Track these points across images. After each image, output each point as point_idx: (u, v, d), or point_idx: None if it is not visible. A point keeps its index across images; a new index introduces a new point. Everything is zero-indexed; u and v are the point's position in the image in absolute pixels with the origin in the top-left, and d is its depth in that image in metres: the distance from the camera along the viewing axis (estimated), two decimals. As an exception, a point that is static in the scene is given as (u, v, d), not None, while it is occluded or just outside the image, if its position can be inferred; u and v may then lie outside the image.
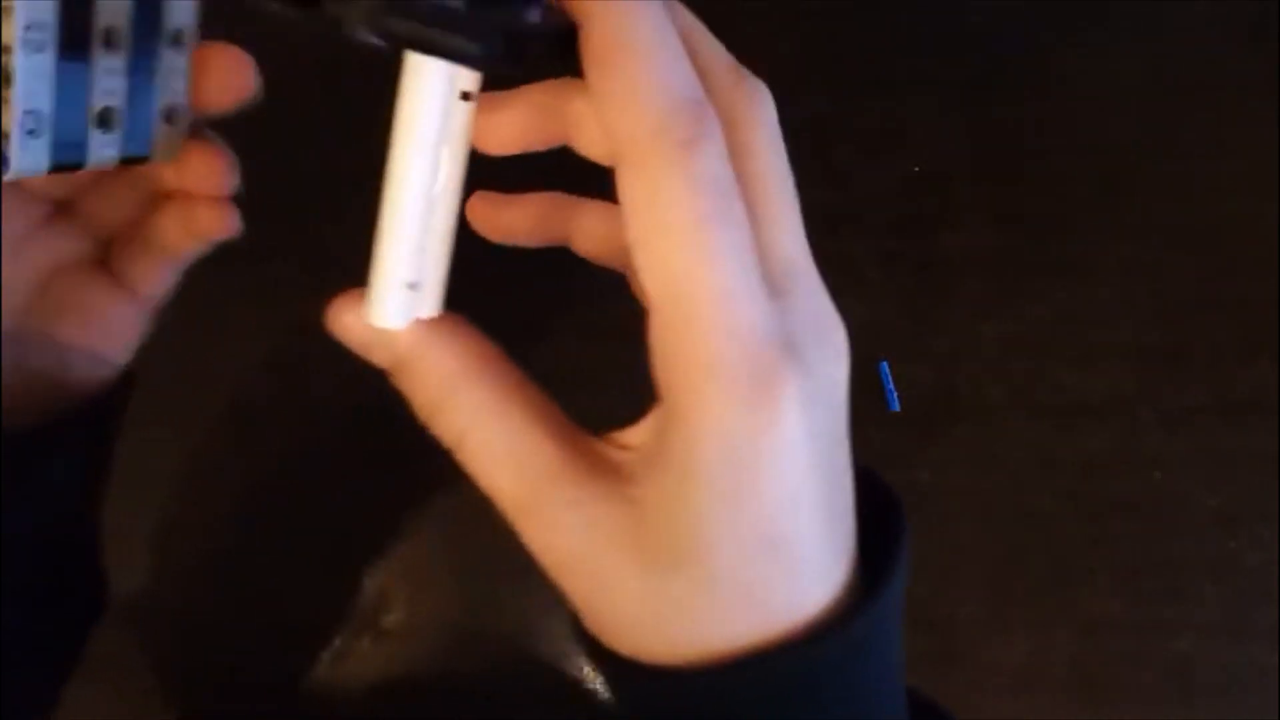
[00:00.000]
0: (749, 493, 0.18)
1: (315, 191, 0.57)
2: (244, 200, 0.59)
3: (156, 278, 0.29)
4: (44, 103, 0.23)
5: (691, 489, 0.18)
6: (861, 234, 0.57)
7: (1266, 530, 0.55)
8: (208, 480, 0.55)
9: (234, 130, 0.62)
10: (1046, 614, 0.54)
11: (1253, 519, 0.55)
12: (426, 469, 0.55)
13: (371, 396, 0.57)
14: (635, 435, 0.20)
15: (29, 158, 0.23)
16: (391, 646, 0.54)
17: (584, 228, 0.23)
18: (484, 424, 0.21)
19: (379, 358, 0.21)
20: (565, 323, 0.56)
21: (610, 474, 0.20)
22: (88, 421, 0.28)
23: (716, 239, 0.18)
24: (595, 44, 0.17)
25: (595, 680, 0.54)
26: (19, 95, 0.22)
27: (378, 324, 0.21)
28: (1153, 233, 0.57)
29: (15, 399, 0.26)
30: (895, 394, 0.55)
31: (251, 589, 0.55)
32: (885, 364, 0.56)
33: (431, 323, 0.21)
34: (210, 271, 0.58)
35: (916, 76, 0.58)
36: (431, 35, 0.18)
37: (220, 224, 0.27)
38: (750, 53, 0.65)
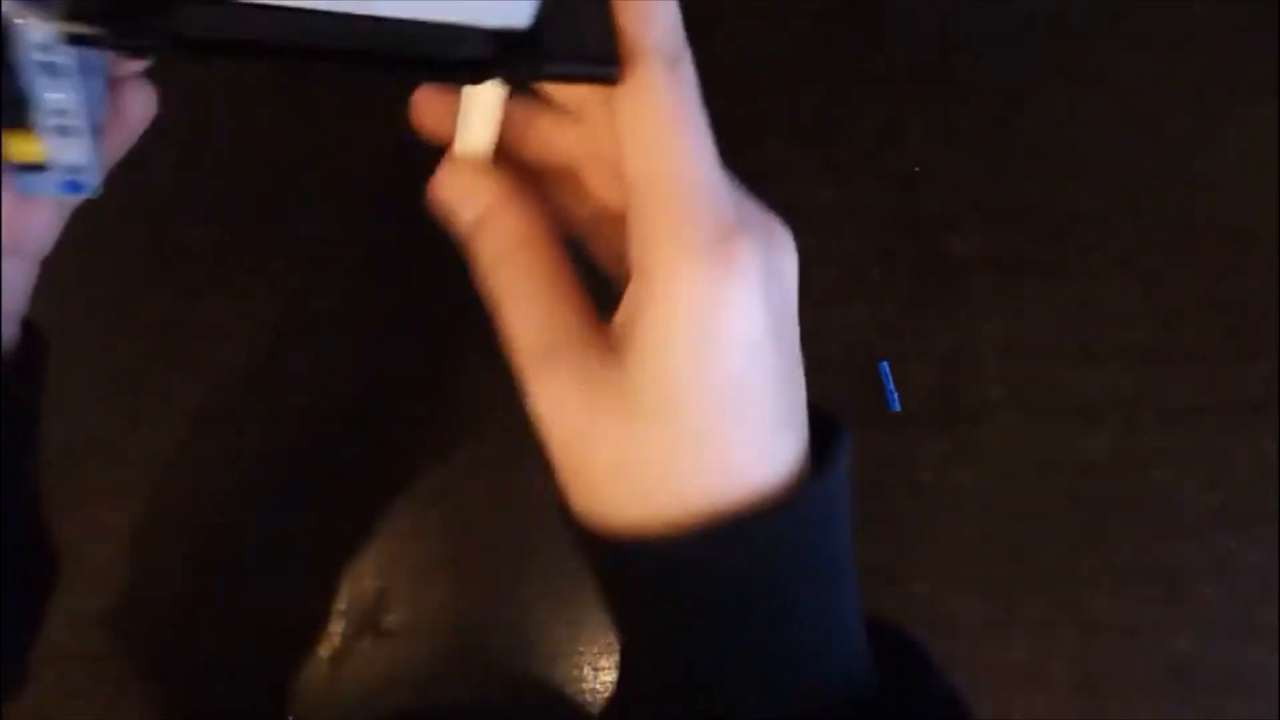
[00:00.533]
0: (715, 347, 0.21)
1: (315, 191, 0.57)
2: (245, 201, 0.59)
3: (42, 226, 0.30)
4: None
5: (666, 345, 0.21)
6: (861, 234, 0.57)
7: (1266, 530, 0.55)
8: (206, 480, 0.55)
9: (236, 129, 0.62)
10: (1046, 614, 0.54)
11: (1253, 519, 0.55)
12: (427, 469, 0.55)
13: (372, 396, 0.58)
14: (620, 312, 0.23)
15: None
16: (391, 646, 0.54)
17: (539, 132, 0.25)
18: (527, 286, 0.24)
19: (465, 214, 0.24)
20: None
21: (604, 342, 0.23)
22: (9, 379, 0.29)
23: (691, 136, 0.22)
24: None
25: (593, 680, 0.54)
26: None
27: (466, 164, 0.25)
28: (1153, 233, 0.57)
29: None
30: (895, 394, 0.55)
31: (251, 589, 0.55)
32: (885, 364, 0.56)
33: (506, 190, 0.24)
34: (211, 271, 0.59)
35: (916, 76, 0.58)
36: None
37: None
38: (750, 52, 0.66)
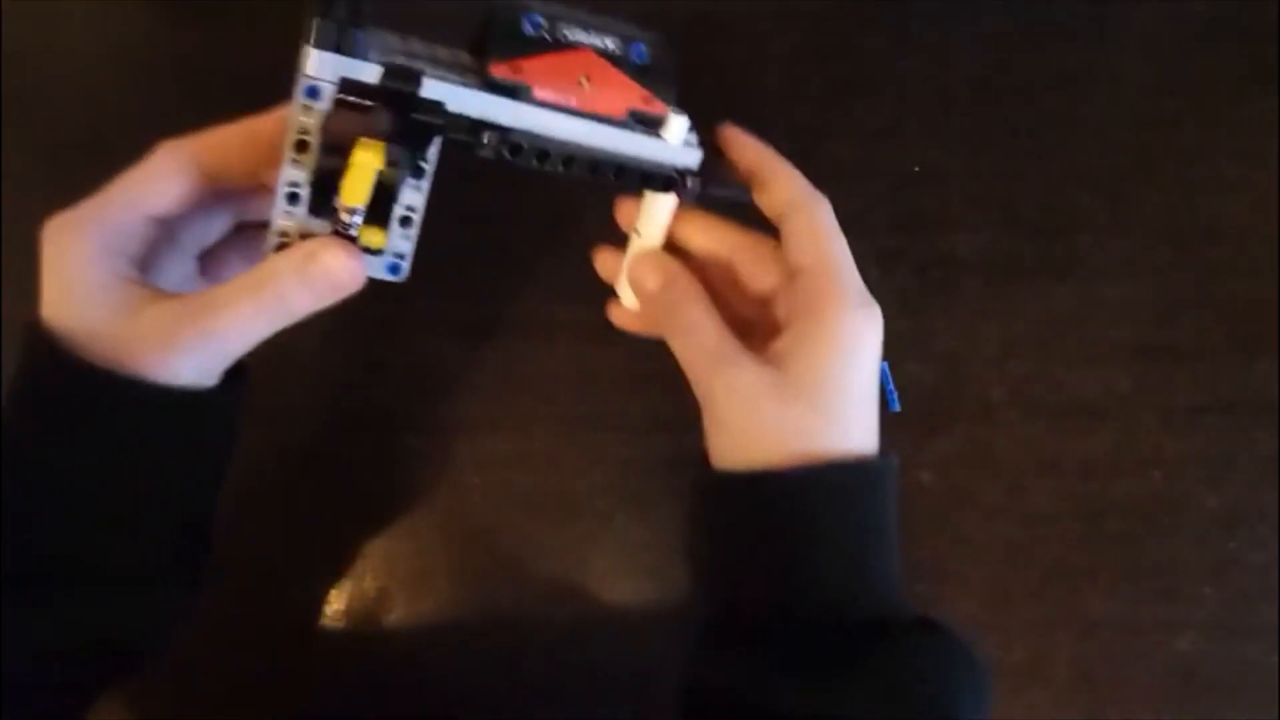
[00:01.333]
0: (856, 364, 0.35)
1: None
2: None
3: None
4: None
5: (830, 357, 0.34)
6: (861, 234, 0.57)
7: (1266, 530, 0.55)
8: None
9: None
10: (1046, 614, 0.54)
11: (1253, 519, 0.55)
12: (427, 469, 0.55)
13: (373, 396, 0.58)
14: (780, 341, 0.35)
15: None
16: (391, 646, 0.54)
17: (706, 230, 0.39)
18: (705, 319, 0.36)
19: (649, 283, 0.37)
20: (563, 323, 0.56)
21: (763, 355, 0.35)
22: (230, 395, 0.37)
23: (842, 242, 0.37)
24: (770, 171, 0.38)
25: (589, 680, 0.54)
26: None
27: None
28: (1153, 233, 0.57)
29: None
30: (895, 394, 0.55)
31: (251, 589, 0.55)
32: (885, 364, 0.56)
33: (678, 264, 0.38)
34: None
35: (916, 76, 0.58)
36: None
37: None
38: (750, 52, 0.66)
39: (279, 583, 0.55)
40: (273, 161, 0.32)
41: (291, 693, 0.54)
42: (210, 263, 0.39)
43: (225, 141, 0.35)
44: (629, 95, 0.34)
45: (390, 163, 0.31)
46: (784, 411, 0.33)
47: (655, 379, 0.56)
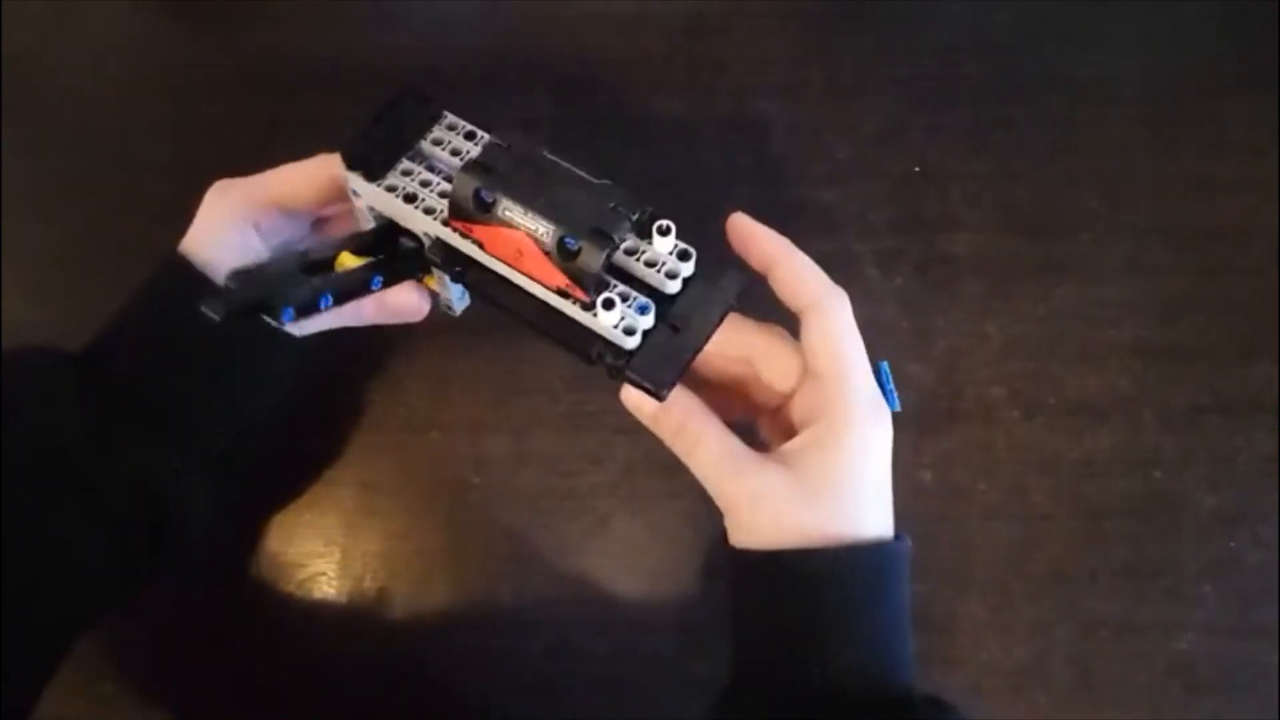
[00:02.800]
0: (868, 463, 0.36)
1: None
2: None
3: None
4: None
5: (844, 462, 0.35)
6: (861, 234, 0.57)
7: (1266, 530, 0.55)
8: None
9: (239, 130, 0.62)
10: (1046, 614, 0.54)
11: (1253, 519, 0.55)
12: (427, 468, 0.55)
13: (373, 396, 0.57)
14: (793, 443, 0.37)
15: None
16: (391, 646, 0.54)
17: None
18: (704, 434, 0.37)
19: (648, 411, 0.38)
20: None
21: (774, 457, 0.37)
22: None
23: (858, 344, 0.37)
24: (787, 268, 0.38)
25: (593, 680, 0.54)
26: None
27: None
28: (1153, 233, 0.57)
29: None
30: (895, 394, 0.55)
31: (251, 588, 0.55)
32: (885, 364, 0.56)
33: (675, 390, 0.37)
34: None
35: (917, 76, 0.58)
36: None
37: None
38: (749, 52, 0.66)
39: (279, 583, 0.55)
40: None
41: (292, 692, 0.54)
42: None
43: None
44: (556, 279, 0.36)
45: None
46: (801, 512, 0.35)
47: (655, 379, 0.56)
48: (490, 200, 0.36)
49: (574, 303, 0.36)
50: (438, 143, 0.40)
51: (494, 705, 0.54)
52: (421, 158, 0.41)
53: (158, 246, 0.57)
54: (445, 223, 0.38)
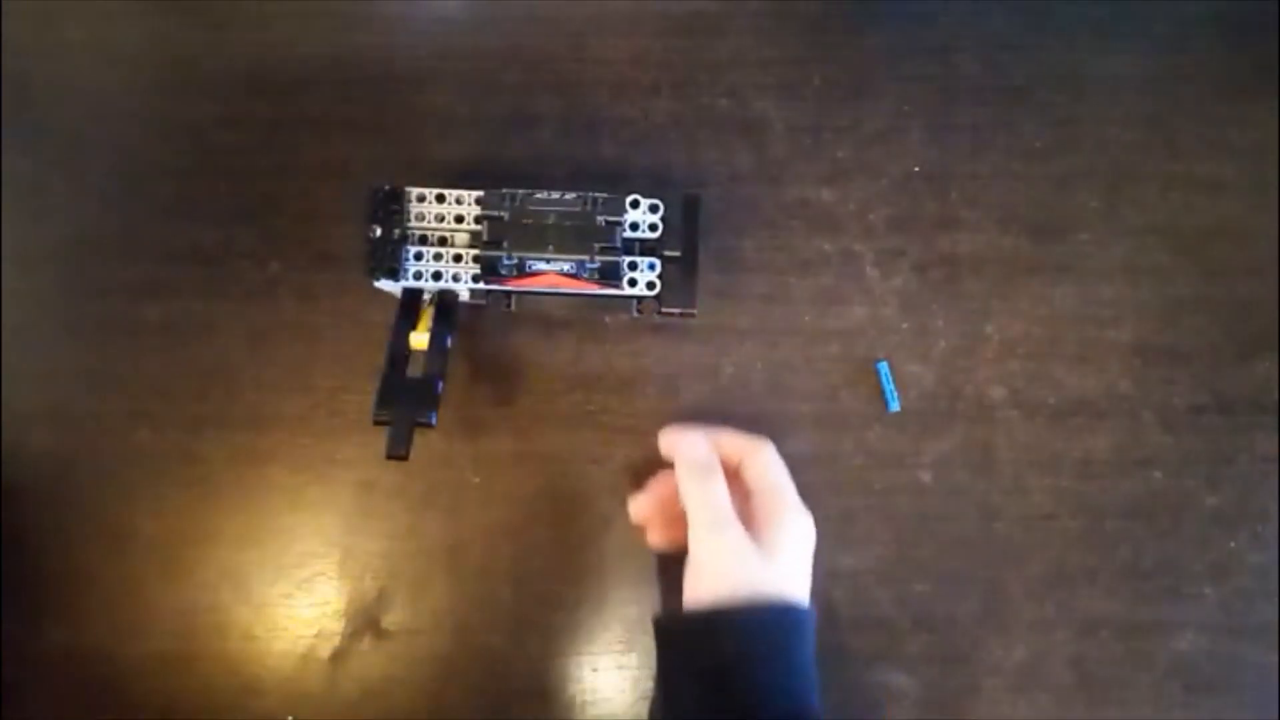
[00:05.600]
0: (804, 544, 0.48)
1: (316, 192, 0.57)
2: (247, 203, 0.59)
3: None
4: None
5: (785, 544, 0.47)
6: (862, 234, 0.57)
7: (1266, 530, 0.55)
8: (203, 478, 0.55)
9: (239, 130, 0.62)
10: (1046, 614, 0.54)
11: (1253, 519, 0.55)
12: (427, 468, 0.55)
13: (372, 395, 0.57)
14: (752, 529, 0.47)
15: None
16: (391, 646, 0.54)
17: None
18: (721, 480, 0.49)
19: (684, 453, 0.50)
20: (568, 329, 0.56)
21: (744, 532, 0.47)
22: None
23: (783, 471, 0.51)
24: (723, 444, 0.51)
25: (593, 680, 0.54)
26: None
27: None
28: (1153, 233, 0.57)
29: None
30: (895, 394, 0.55)
31: (251, 589, 0.55)
32: (885, 364, 0.56)
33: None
34: (209, 271, 0.59)
35: (917, 76, 0.58)
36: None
37: None
38: (748, 53, 0.66)
39: (279, 583, 0.55)
40: None
41: (292, 692, 0.54)
42: None
43: None
44: (584, 285, 0.49)
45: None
46: (753, 563, 0.46)
47: (655, 379, 0.56)
48: (512, 262, 0.48)
49: (605, 285, 0.49)
50: (420, 218, 0.50)
51: (493, 705, 0.54)
52: (416, 238, 0.51)
53: (158, 246, 0.58)
54: (476, 278, 0.50)
